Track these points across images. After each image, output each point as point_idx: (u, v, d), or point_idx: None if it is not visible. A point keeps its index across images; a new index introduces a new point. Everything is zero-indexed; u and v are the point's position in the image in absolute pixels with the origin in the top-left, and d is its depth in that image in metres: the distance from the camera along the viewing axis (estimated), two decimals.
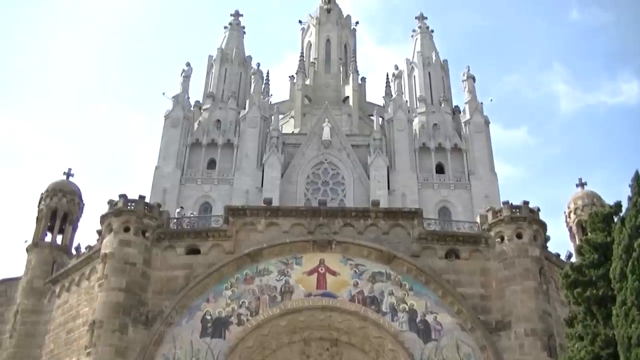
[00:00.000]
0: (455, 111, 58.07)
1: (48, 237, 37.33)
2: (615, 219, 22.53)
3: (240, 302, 30.64)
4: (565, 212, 40.75)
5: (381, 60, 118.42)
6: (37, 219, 37.80)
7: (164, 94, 56.62)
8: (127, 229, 31.94)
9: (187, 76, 58.30)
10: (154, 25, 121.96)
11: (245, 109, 56.37)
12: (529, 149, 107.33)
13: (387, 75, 62.02)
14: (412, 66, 61.39)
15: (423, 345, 29.81)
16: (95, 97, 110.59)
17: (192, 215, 39.90)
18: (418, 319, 30.35)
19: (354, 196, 51.13)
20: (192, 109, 57.20)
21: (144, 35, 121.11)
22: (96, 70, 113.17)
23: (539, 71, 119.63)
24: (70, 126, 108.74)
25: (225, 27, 65.14)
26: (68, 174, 39.58)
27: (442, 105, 57.81)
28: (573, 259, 31.45)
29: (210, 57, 61.89)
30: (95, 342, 29.09)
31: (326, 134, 53.83)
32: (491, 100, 58.94)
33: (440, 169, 53.80)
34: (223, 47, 62.60)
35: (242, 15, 65.97)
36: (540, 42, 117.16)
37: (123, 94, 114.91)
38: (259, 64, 59.47)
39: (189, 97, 57.54)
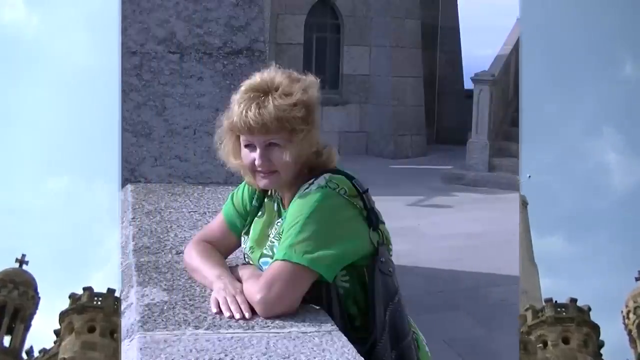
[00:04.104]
0: None
1: None
2: None
3: None
4: (622, 312, 40.34)
5: None
6: None
7: None
8: (92, 329, 31.51)
9: None
10: None
11: None
12: (569, 253, 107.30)
13: None
14: None
15: None
16: (54, 169, 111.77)
17: None
18: None
19: None
20: None
21: None
22: (55, 137, 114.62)
23: (586, 138, 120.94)
24: (25, 202, 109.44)
25: None
26: (21, 261, 39.36)
27: None
28: None
29: None
30: None
31: None
32: (529, 176, 59.32)
33: None
34: None
35: None
36: (587, 103, 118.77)
37: (88, 163, 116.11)
38: None
39: None
